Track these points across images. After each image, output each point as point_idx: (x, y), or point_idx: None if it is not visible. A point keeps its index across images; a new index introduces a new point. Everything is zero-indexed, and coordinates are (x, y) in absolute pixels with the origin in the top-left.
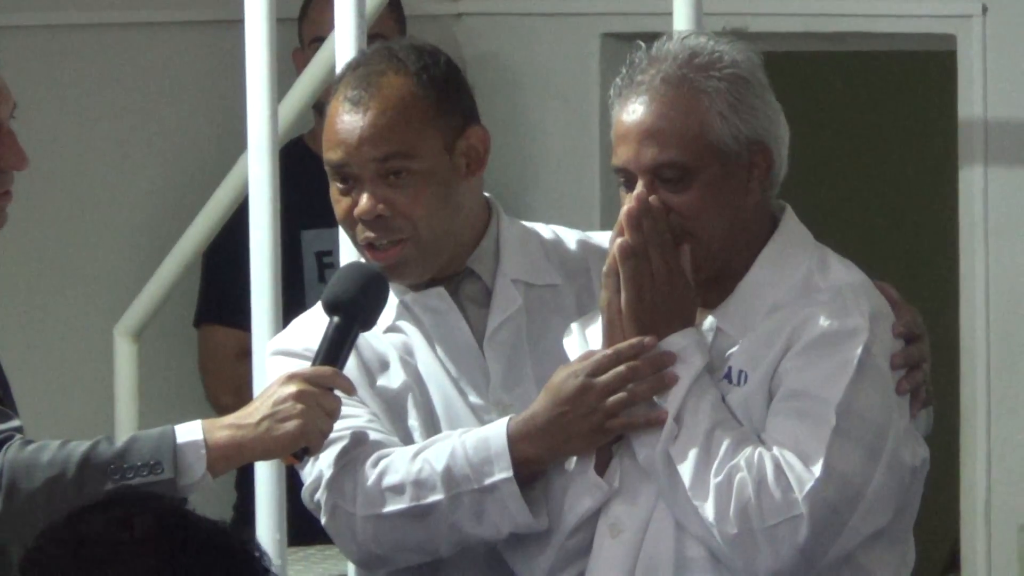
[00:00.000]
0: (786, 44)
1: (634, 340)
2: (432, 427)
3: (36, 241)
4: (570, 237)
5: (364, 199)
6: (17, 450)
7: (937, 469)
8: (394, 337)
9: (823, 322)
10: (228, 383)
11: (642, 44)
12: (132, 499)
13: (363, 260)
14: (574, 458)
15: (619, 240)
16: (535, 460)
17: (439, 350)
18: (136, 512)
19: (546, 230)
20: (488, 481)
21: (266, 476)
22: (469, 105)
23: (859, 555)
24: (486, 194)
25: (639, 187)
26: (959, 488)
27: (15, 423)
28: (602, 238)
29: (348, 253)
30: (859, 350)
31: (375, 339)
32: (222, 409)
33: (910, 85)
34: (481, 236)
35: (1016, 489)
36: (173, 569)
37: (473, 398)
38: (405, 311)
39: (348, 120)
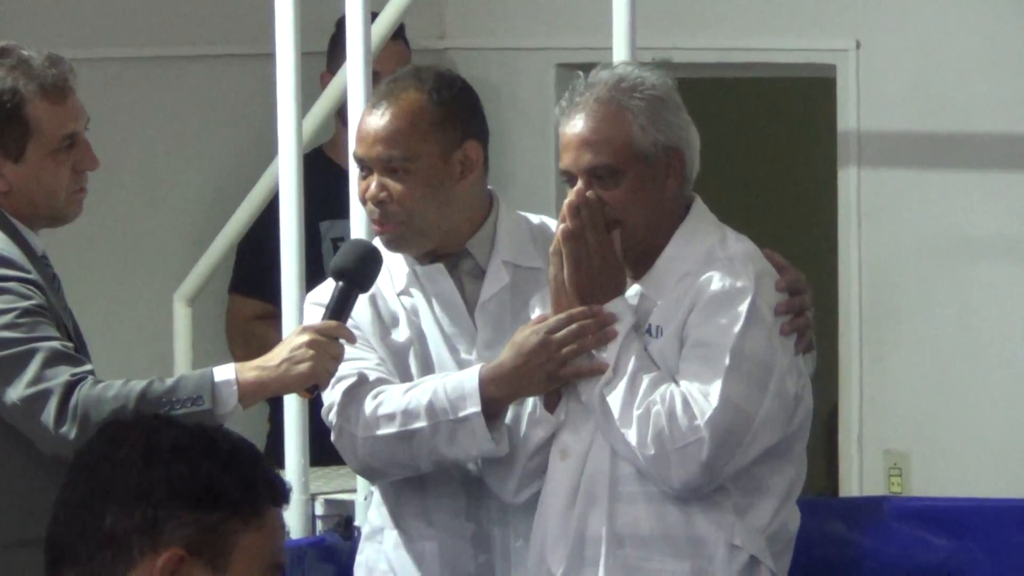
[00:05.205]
0: (704, 72)
1: (583, 307)
2: (427, 373)
3: (109, 227)
4: (553, 225)
5: (372, 184)
6: (89, 388)
7: (821, 406)
8: (405, 299)
9: (717, 284)
10: (242, 339)
11: (581, 74)
12: (125, 423)
13: (363, 238)
14: (531, 398)
15: (562, 226)
16: (500, 399)
17: (437, 313)
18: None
19: (535, 219)
20: (461, 414)
21: (293, 413)
22: (473, 124)
23: (756, 469)
24: (490, 188)
25: (579, 184)
26: (837, 420)
27: (88, 367)
28: None
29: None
30: (746, 304)
31: (391, 300)
32: (237, 358)
33: (800, 104)
34: (481, 224)
35: (882, 421)
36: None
37: (462, 354)
38: (414, 278)
39: (368, 122)
